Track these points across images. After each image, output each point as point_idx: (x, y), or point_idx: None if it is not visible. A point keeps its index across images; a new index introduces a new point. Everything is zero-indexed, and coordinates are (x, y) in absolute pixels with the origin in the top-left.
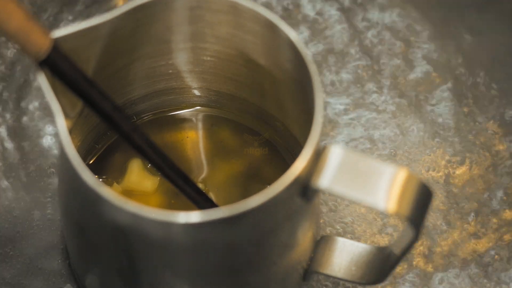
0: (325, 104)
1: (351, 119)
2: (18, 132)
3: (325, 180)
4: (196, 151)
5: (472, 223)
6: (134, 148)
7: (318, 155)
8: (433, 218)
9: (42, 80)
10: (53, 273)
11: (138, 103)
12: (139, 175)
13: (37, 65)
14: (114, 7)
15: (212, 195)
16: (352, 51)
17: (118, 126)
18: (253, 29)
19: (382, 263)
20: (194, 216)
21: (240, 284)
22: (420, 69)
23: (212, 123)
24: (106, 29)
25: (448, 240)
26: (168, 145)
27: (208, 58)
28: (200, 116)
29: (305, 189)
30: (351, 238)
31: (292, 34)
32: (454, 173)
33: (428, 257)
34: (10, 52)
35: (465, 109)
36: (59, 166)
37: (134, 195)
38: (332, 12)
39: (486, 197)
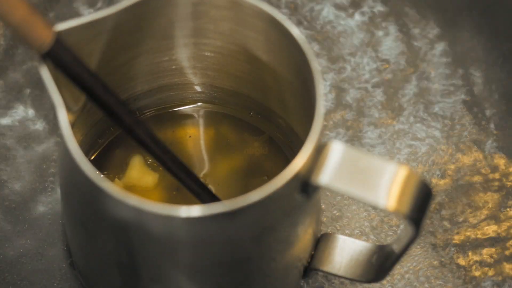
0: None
1: None
2: None
3: (325, 177)
4: (197, 147)
5: None
6: (136, 141)
7: (319, 152)
8: None
9: (44, 73)
10: (54, 268)
11: (141, 99)
12: (140, 170)
13: (40, 58)
14: None
15: (213, 190)
16: None
17: (121, 119)
18: (256, 25)
19: (382, 261)
20: (195, 210)
21: (240, 279)
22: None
23: (213, 122)
24: (109, 23)
25: None
26: (170, 141)
27: (211, 54)
28: (202, 112)
29: (305, 185)
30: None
31: (294, 30)
32: None
33: None
34: None
35: None
36: (61, 160)
37: (135, 191)
38: None
39: None
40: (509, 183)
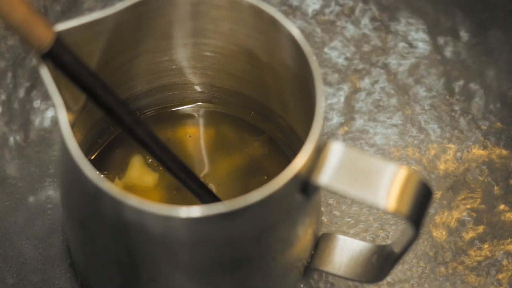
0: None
1: None
2: None
3: (325, 177)
4: (197, 147)
5: None
6: (136, 141)
7: (319, 152)
8: None
9: (44, 73)
10: (54, 268)
11: (141, 99)
12: (140, 170)
13: (40, 58)
14: None
15: (213, 190)
16: None
17: (121, 119)
18: (256, 25)
19: (382, 262)
20: (195, 211)
21: (240, 279)
22: None
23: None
24: (109, 23)
25: None
26: (170, 140)
27: (211, 54)
28: (202, 112)
29: (305, 185)
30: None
31: (294, 30)
32: None
33: None
34: None
35: None
36: (61, 160)
37: (135, 191)
38: None
39: None
40: None
